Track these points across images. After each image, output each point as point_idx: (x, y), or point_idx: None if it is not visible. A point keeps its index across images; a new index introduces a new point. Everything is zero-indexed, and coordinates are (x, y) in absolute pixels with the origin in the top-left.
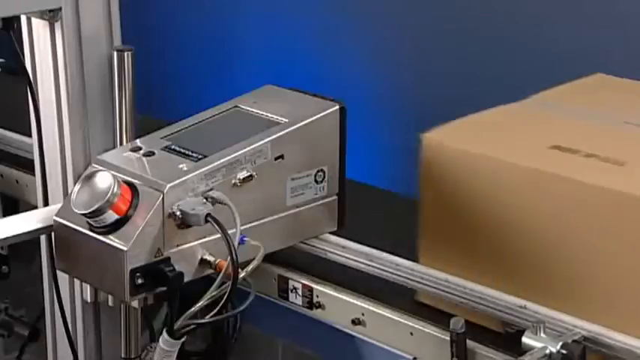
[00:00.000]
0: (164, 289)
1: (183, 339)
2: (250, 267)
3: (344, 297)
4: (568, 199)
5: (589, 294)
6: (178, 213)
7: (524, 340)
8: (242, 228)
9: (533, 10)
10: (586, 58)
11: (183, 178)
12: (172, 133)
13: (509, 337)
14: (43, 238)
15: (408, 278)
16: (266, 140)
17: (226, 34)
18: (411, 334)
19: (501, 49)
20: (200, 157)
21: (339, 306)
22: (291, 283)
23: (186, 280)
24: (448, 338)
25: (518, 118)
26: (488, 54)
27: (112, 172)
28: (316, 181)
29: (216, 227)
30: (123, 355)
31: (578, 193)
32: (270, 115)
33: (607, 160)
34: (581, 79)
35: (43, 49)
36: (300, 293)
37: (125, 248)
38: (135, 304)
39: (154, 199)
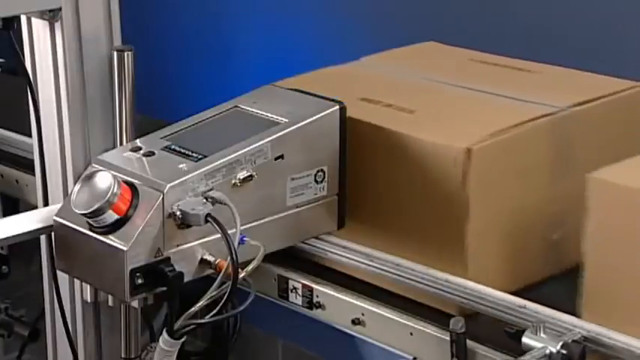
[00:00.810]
0: (164, 289)
1: (183, 339)
2: (250, 267)
3: (344, 297)
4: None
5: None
6: (178, 213)
7: (524, 340)
8: (242, 228)
9: None
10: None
11: (183, 178)
12: (172, 133)
13: (509, 337)
14: (43, 238)
15: (408, 278)
16: (266, 140)
17: (226, 34)
18: (411, 334)
19: None
20: (200, 157)
21: (339, 306)
22: (291, 283)
23: (186, 280)
24: (448, 338)
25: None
26: None
27: (112, 172)
28: (316, 181)
29: (216, 227)
30: (123, 355)
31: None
32: (270, 115)
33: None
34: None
35: (43, 49)
36: (300, 293)
37: (125, 248)
38: (135, 304)
39: (153, 199)
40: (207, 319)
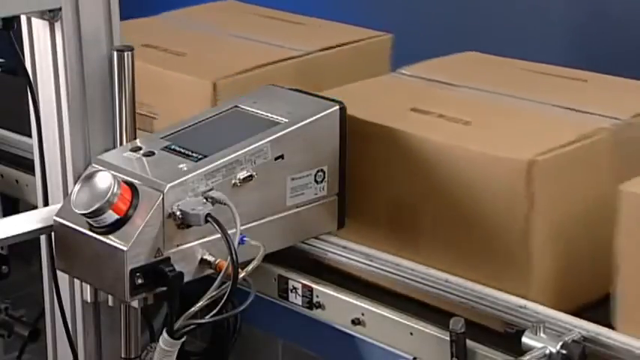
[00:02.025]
0: (164, 289)
1: (183, 339)
2: (250, 267)
3: (344, 297)
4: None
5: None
6: (178, 213)
7: (524, 340)
8: (242, 228)
9: None
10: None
11: (183, 178)
12: (172, 133)
13: (509, 337)
14: (43, 238)
15: (408, 278)
16: (266, 140)
17: None
18: (411, 334)
19: None
20: (200, 157)
21: (339, 306)
22: (291, 283)
23: (186, 280)
24: (448, 338)
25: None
26: None
27: (112, 172)
28: (316, 181)
29: (216, 227)
30: (123, 355)
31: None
32: (270, 115)
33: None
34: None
35: (43, 49)
36: (300, 293)
37: (125, 248)
38: (135, 304)
39: (153, 199)
40: (207, 319)
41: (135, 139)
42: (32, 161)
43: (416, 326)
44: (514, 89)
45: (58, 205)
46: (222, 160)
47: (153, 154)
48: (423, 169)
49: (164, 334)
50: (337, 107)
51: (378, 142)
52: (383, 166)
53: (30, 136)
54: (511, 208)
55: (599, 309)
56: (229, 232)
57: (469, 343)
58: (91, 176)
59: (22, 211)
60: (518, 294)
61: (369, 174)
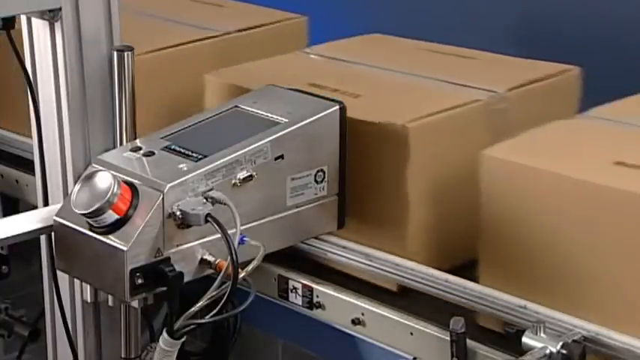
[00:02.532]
0: (164, 289)
1: (183, 339)
2: (250, 267)
3: (344, 297)
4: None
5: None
6: (178, 213)
7: (524, 340)
8: (242, 228)
9: None
10: None
11: (183, 178)
12: (172, 133)
13: (509, 337)
14: (43, 238)
15: (409, 279)
16: (266, 140)
17: None
18: (411, 334)
19: None
20: (200, 157)
21: (339, 306)
22: (291, 283)
23: (186, 280)
24: (448, 338)
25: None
26: None
27: (112, 172)
28: (316, 181)
29: (216, 227)
30: (123, 355)
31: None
32: (270, 115)
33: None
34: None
35: (43, 49)
36: (300, 293)
37: (125, 248)
38: (135, 304)
39: (154, 199)
40: (207, 319)
41: (135, 139)
42: (32, 161)
43: (416, 326)
44: (407, 67)
45: (58, 205)
46: (222, 160)
47: (153, 154)
48: None
49: (164, 334)
50: (337, 107)
51: None
52: None
53: (30, 136)
54: (390, 171)
55: (473, 270)
56: (229, 232)
57: (469, 343)
58: (91, 176)
59: (22, 211)
60: (397, 253)
61: None
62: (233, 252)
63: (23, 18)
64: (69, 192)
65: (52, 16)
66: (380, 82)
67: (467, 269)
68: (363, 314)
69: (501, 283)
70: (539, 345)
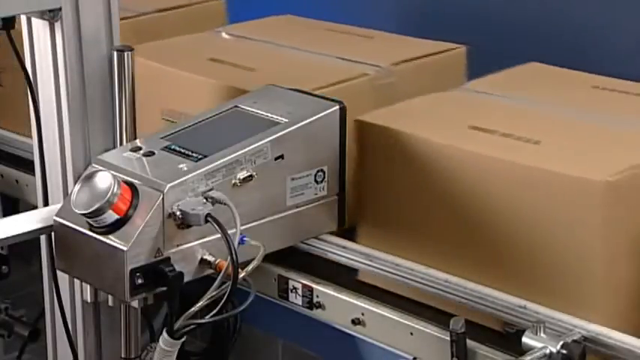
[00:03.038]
0: (164, 289)
1: (183, 339)
2: (250, 267)
3: (344, 297)
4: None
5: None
6: (178, 213)
7: (524, 340)
8: (242, 228)
9: None
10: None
11: (183, 178)
12: (172, 133)
13: (509, 337)
14: (43, 238)
15: (408, 278)
16: (266, 140)
17: None
18: (411, 334)
19: None
20: (200, 157)
21: (339, 306)
22: (291, 283)
23: (186, 280)
24: (448, 338)
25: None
26: None
27: (112, 172)
28: (316, 181)
29: (216, 227)
30: (123, 355)
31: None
32: (270, 115)
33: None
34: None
35: (43, 49)
36: (300, 293)
37: (125, 248)
38: (135, 304)
39: (154, 199)
40: (207, 319)
41: (135, 139)
42: (32, 161)
43: (416, 326)
44: (305, 44)
45: (58, 205)
46: (222, 160)
47: (153, 154)
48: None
49: (164, 334)
50: (337, 107)
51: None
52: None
53: (30, 136)
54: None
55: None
56: (229, 232)
57: (469, 343)
58: (91, 176)
59: (22, 211)
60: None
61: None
62: (233, 252)
63: (23, 18)
64: (69, 192)
65: (52, 16)
66: (275, 57)
67: None
68: (363, 314)
69: (381, 244)
70: (539, 345)
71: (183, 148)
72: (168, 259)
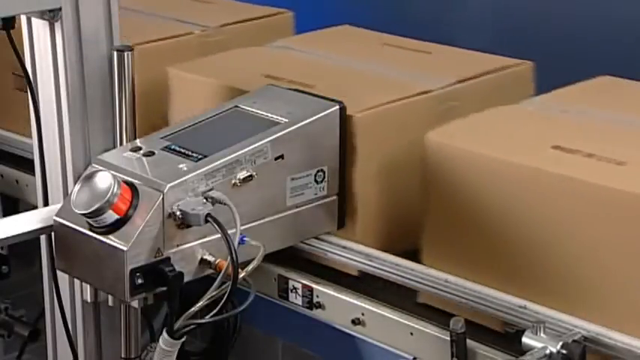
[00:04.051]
0: (164, 289)
1: (183, 339)
2: (250, 267)
3: (344, 297)
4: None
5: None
6: (178, 213)
7: (524, 340)
8: (242, 228)
9: None
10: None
11: (183, 178)
12: (172, 133)
13: (509, 337)
14: (43, 238)
15: (408, 278)
16: (266, 140)
17: None
18: (411, 334)
19: None
20: (200, 157)
21: (339, 306)
22: (291, 283)
23: (186, 280)
24: (448, 338)
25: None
26: None
27: (112, 172)
28: (316, 181)
29: (216, 227)
30: (123, 355)
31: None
32: (270, 115)
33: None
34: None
35: (43, 49)
36: (300, 293)
37: (125, 248)
38: (135, 304)
39: (154, 199)
40: (207, 319)
41: (135, 139)
42: (32, 161)
43: (416, 326)
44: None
45: (58, 205)
46: (222, 160)
47: (153, 154)
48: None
49: (164, 334)
50: (337, 107)
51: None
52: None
53: (30, 136)
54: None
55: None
56: (229, 232)
57: (469, 343)
58: (91, 176)
59: (22, 211)
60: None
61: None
62: (233, 252)
63: (23, 18)
64: (69, 192)
65: (52, 16)
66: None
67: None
68: (363, 314)
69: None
70: (539, 345)
71: (183, 148)
72: (168, 259)
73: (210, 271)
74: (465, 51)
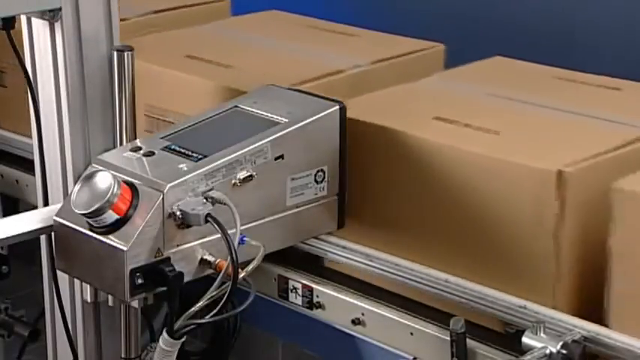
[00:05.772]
0: (164, 289)
1: (183, 339)
2: (250, 267)
3: (344, 297)
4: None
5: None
6: (178, 213)
7: (524, 340)
8: (242, 228)
9: None
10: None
11: (183, 178)
12: (172, 133)
13: (509, 337)
14: (43, 238)
15: (408, 278)
16: (266, 140)
17: None
18: (411, 334)
19: None
20: (200, 157)
21: (339, 306)
22: (291, 283)
23: (186, 280)
24: (448, 338)
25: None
26: None
27: (112, 172)
28: (316, 181)
29: (216, 227)
30: (123, 355)
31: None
32: (270, 115)
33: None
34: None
35: (43, 49)
36: (300, 293)
37: (125, 248)
38: (135, 304)
39: (154, 199)
40: (207, 319)
41: (135, 139)
42: (32, 161)
43: (416, 326)
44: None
45: (58, 205)
46: (222, 160)
47: (153, 154)
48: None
49: (164, 334)
50: (337, 107)
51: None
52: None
53: (30, 136)
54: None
55: None
56: (229, 232)
57: (469, 343)
58: (91, 176)
59: (22, 211)
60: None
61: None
62: (233, 252)
63: (23, 18)
64: (69, 192)
65: (52, 16)
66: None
67: None
68: (363, 314)
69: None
70: (539, 345)
71: (183, 148)
72: (168, 259)
73: (210, 271)
74: (384, 34)
